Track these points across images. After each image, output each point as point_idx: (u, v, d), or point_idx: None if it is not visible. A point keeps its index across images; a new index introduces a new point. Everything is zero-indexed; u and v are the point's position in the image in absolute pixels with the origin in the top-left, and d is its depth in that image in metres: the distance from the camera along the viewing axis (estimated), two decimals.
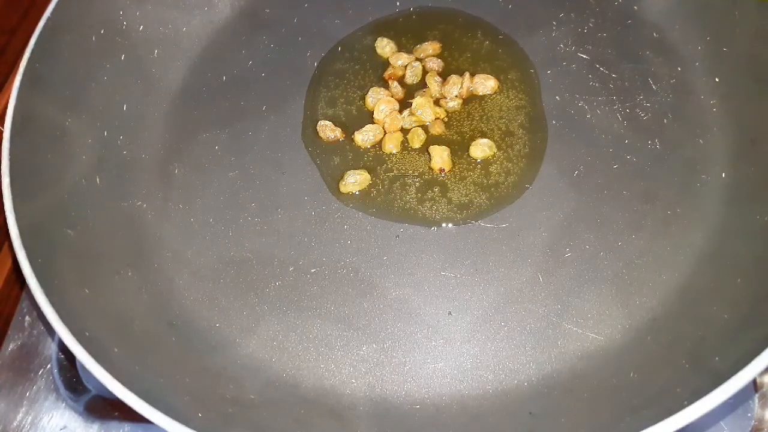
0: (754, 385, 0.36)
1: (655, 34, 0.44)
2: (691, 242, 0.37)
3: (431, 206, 0.39)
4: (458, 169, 0.41)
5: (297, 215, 0.40)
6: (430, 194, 0.40)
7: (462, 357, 0.35)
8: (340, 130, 0.42)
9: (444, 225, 0.39)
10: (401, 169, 0.41)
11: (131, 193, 0.41)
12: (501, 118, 0.42)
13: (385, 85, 0.44)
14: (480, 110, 0.43)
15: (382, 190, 0.40)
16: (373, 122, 0.42)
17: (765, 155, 0.38)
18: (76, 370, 0.39)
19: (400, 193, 0.40)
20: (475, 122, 0.42)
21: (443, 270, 0.37)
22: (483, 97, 0.43)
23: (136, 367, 0.32)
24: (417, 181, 0.40)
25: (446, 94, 0.43)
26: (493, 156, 0.41)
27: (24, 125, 0.37)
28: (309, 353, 0.36)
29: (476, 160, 0.41)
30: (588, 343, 0.35)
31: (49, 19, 0.39)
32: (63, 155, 0.38)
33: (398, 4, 0.48)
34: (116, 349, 0.32)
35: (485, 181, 0.40)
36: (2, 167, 0.35)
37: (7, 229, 0.33)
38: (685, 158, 0.40)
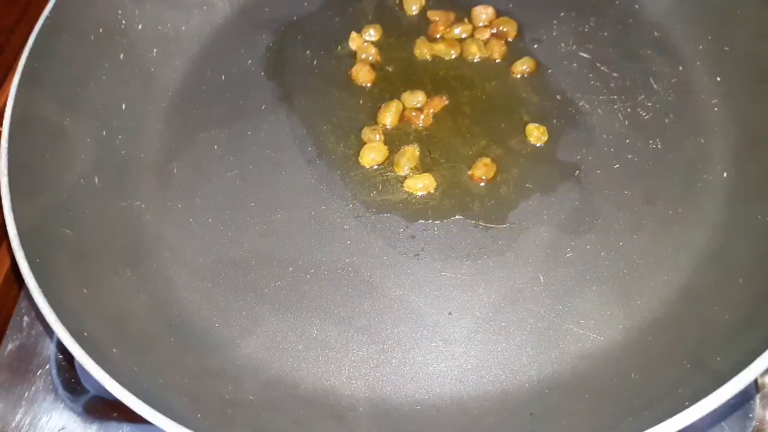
0: (756, 386, 0.36)
1: (656, 33, 0.44)
2: (692, 242, 0.37)
3: (431, 207, 0.39)
4: (458, 168, 0.40)
5: (296, 215, 0.40)
6: (430, 195, 0.40)
7: (462, 357, 0.35)
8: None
9: (444, 225, 0.39)
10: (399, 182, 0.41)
11: (130, 193, 0.40)
12: (502, 118, 0.42)
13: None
14: (480, 111, 0.42)
15: (381, 189, 0.40)
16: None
17: (766, 154, 0.37)
18: (75, 371, 0.39)
19: (399, 194, 0.40)
20: (474, 122, 0.42)
21: (443, 270, 0.37)
22: (482, 95, 0.43)
23: (134, 367, 0.32)
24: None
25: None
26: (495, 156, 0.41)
27: (22, 125, 0.36)
28: (309, 353, 0.35)
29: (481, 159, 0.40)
30: (589, 343, 0.34)
31: (47, 18, 0.39)
32: (61, 155, 0.38)
33: (398, 2, 0.48)
34: (115, 350, 0.32)
35: (486, 180, 0.40)
36: (1, 167, 0.35)
37: (6, 229, 0.33)
38: (686, 158, 0.39)
